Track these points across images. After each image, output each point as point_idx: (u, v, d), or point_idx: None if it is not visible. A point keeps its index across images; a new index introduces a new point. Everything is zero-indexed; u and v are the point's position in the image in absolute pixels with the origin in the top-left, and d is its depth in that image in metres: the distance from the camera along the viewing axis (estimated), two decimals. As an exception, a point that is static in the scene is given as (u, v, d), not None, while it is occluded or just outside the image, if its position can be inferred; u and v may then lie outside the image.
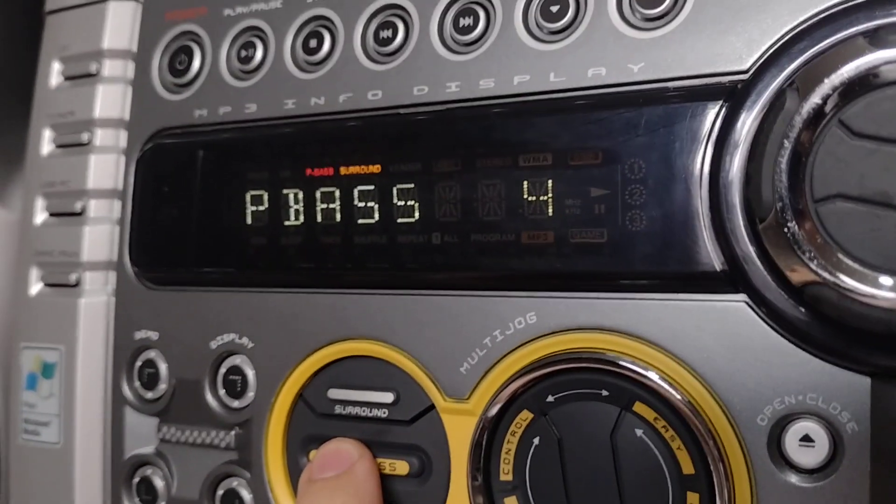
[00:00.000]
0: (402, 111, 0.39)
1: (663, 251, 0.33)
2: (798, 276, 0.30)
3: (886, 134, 0.28)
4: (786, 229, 0.29)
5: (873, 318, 0.29)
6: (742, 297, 0.32)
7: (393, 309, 0.39)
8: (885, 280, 0.28)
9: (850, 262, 0.28)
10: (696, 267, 0.33)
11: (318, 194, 0.40)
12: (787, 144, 0.29)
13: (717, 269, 0.32)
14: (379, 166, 0.39)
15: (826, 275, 0.29)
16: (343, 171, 0.40)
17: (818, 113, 0.29)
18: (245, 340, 0.42)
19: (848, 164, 0.29)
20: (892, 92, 0.28)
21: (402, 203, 0.38)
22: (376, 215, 0.39)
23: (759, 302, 0.32)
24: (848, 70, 0.29)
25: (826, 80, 0.29)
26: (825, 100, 0.29)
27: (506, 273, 0.37)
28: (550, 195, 0.35)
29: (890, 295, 0.28)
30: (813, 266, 0.29)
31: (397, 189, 0.38)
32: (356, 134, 0.40)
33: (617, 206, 0.34)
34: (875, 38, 0.29)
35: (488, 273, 0.37)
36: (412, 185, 0.38)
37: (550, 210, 0.35)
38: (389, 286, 0.39)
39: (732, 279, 0.32)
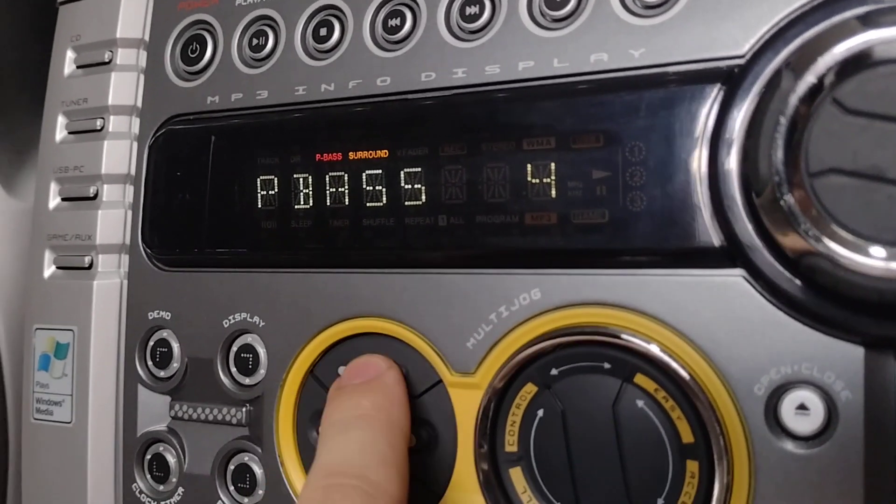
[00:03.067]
0: (409, 97, 0.40)
1: (663, 229, 0.34)
2: (794, 247, 0.31)
3: (878, 111, 0.29)
4: (782, 202, 0.30)
5: (866, 287, 0.29)
6: (740, 271, 0.33)
7: (401, 287, 0.39)
8: (878, 251, 0.29)
9: (844, 234, 0.29)
10: (695, 243, 0.33)
11: (327, 178, 0.41)
12: (783, 122, 0.30)
13: (716, 244, 0.33)
14: (387, 151, 0.40)
15: (821, 246, 0.30)
16: (352, 155, 0.40)
17: (813, 91, 0.30)
18: (256, 319, 0.43)
19: (841, 139, 0.29)
20: (884, 70, 0.29)
21: (409, 186, 0.39)
22: (384, 198, 0.40)
23: (757, 275, 0.33)
24: (841, 49, 0.29)
25: (820, 60, 0.30)
26: (819, 78, 0.30)
27: (511, 251, 0.37)
28: (554, 177, 0.36)
29: (882, 265, 0.29)
30: (808, 238, 0.30)
31: (405, 173, 0.39)
32: (365, 119, 0.41)
33: (618, 186, 0.35)
34: (867, 20, 0.30)
35: (494, 251, 0.37)
36: (419, 169, 0.39)
37: (554, 192, 0.36)
38: (397, 266, 0.40)
39: (730, 254, 0.33)
